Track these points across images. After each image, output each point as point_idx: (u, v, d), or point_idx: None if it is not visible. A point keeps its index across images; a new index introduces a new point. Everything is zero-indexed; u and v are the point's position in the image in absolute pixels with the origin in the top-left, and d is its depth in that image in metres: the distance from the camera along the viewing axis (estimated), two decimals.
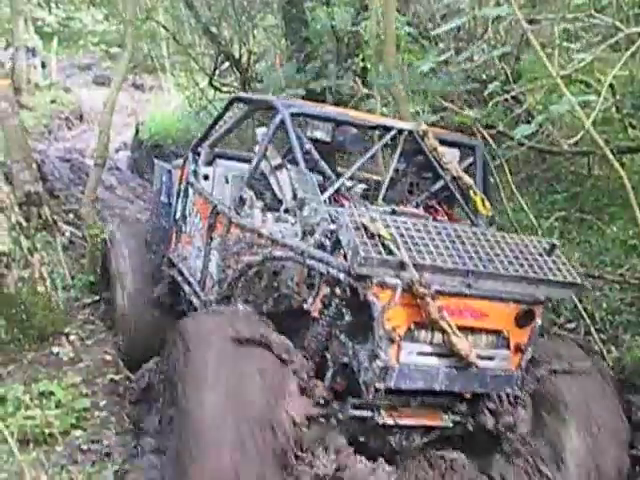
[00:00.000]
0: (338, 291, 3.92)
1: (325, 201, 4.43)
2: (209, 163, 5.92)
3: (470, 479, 4.29)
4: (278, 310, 4.44)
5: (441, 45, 9.57)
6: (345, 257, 3.76)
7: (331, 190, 4.61)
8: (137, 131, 16.25)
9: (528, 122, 8.72)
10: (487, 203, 4.85)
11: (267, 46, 15.23)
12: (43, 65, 21.24)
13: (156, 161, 7.36)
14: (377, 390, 3.78)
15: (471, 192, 4.87)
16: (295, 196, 4.53)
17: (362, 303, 3.76)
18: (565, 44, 4.94)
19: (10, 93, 8.35)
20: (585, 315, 5.53)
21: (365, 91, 8.54)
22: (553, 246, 4.15)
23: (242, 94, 7.20)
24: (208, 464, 3.52)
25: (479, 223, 4.84)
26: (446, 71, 6.78)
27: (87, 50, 27.83)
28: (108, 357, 5.56)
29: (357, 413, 4.04)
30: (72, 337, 5.66)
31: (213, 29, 14.11)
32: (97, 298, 6.75)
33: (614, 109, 6.91)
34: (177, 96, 20.29)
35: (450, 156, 5.10)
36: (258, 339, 3.85)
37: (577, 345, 4.92)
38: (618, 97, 6.22)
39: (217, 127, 6.09)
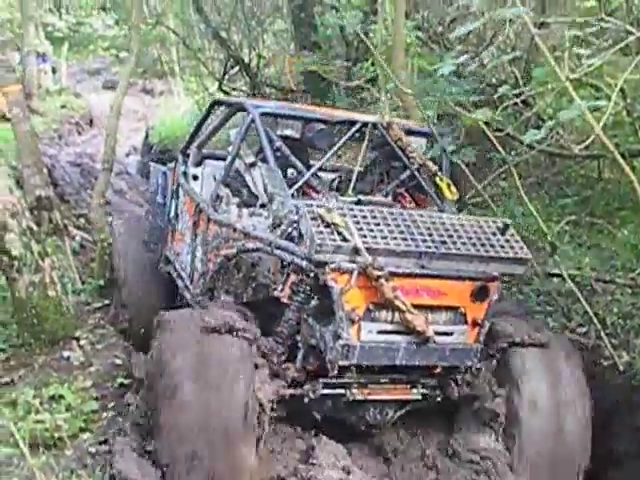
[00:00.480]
0: (304, 278, 4.23)
1: (294, 194, 4.69)
2: (198, 164, 6.22)
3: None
4: (257, 299, 4.76)
5: (451, 49, 9.55)
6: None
7: (299, 184, 4.88)
8: (147, 135, 16.29)
9: (538, 126, 8.72)
10: (453, 188, 5.11)
11: (276, 51, 15.25)
12: (53, 70, 21.32)
13: (151, 163, 7.62)
14: (342, 367, 4.12)
15: (437, 178, 5.14)
16: (266, 191, 4.83)
17: (324, 287, 4.06)
18: (575, 50, 4.91)
19: (21, 98, 8.38)
20: (596, 320, 5.49)
21: (376, 94, 8.53)
22: (506, 226, 4.44)
23: (221, 97, 7.75)
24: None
25: (446, 208, 5.03)
26: (456, 75, 6.75)
27: (97, 55, 27.93)
28: (118, 361, 5.57)
29: (328, 392, 4.37)
30: (82, 341, 5.68)
31: (223, 34, 14.15)
32: (107, 302, 6.77)
33: (624, 112, 6.89)
34: (187, 100, 20.34)
35: (416, 145, 5.37)
36: (223, 327, 4.12)
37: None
38: (629, 101, 6.19)
39: (203, 130, 6.38)
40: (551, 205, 8.62)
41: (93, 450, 4.24)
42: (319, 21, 12.46)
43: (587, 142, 4.36)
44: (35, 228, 5.59)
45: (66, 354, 5.43)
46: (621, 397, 5.25)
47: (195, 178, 6.15)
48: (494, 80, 9.11)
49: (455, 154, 7.31)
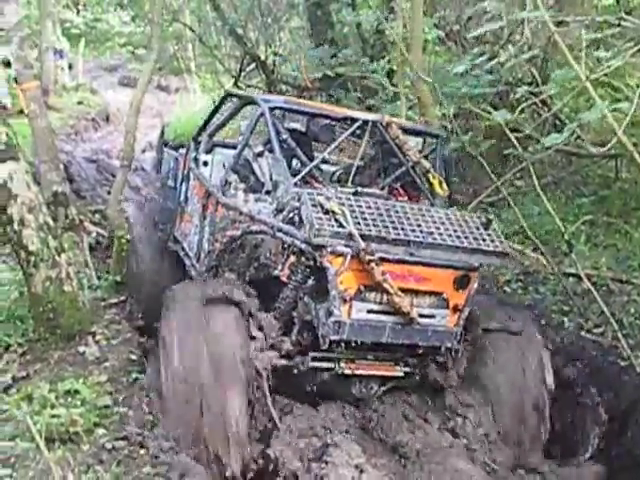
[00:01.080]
0: (302, 259, 4.64)
1: (297, 183, 5.00)
2: (208, 151, 6.54)
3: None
4: (258, 277, 5.18)
5: (467, 47, 9.52)
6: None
7: (302, 173, 5.18)
8: (163, 132, 16.29)
9: (555, 124, 8.69)
10: (444, 185, 5.46)
11: (293, 48, 15.23)
12: (70, 67, 21.41)
13: (165, 149, 7.91)
14: (332, 342, 4.54)
15: (430, 175, 5.51)
16: (271, 179, 5.33)
17: (320, 269, 4.50)
18: (595, 53, 4.87)
19: (39, 94, 8.43)
20: (613, 320, 5.47)
21: (393, 89, 8.48)
22: (489, 221, 4.88)
23: (233, 90, 7.96)
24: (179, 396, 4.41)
25: (436, 203, 5.40)
26: (474, 74, 6.73)
27: (114, 52, 28.01)
28: (133, 356, 5.58)
29: (317, 364, 4.83)
30: (98, 336, 5.68)
31: (239, 31, 14.13)
32: (123, 298, 6.79)
33: None
34: (202, 97, 20.38)
35: (412, 144, 5.73)
36: (222, 298, 4.63)
37: (522, 309, 5.67)
38: None
39: (214, 120, 6.69)
40: (567, 205, 8.59)
41: (109, 445, 4.24)
42: (335, 18, 12.45)
43: (610, 145, 4.34)
44: (52, 224, 5.59)
45: (81, 349, 5.43)
46: (638, 397, 5.22)
47: (205, 164, 6.47)
48: (511, 79, 9.08)
49: (473, 148, 7.31)
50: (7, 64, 15.01)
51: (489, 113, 6.02)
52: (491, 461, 4.91)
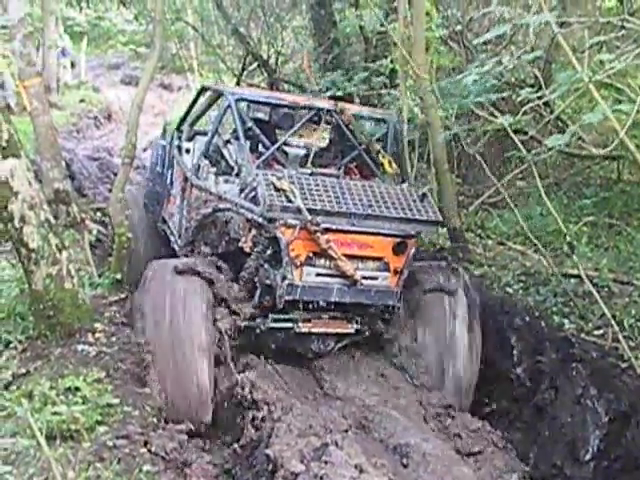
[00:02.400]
0: (261, 232, 5.40)
1: (259, 166, 5.82)
2: (190, 139, 7.27)
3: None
4: (229, 250, 5.98)
5: (471, 48, 9.51)
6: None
7: (263, 157, 6.00)
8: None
9: (557, 125, 8.69)
10: (393, 164, 6.24)
11: (295, 47, 15.22)
12: (72, 64, 21.40)
13: (154, 138, 8.65)
14: (288, 302, 5.38)
15: (380, 156, 6.28)
16: (237, 163, 6.21)
17: (275, 239, 5.29)
18: (597, 55, 4.86)
19: (41, 92, 8.42)
20: (614, 322, 5.46)
21: (393, 92, 8.50)
22: (424, 194, 5.64)
23: (207, 84, 8.46)
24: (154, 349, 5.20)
25: (386, 180, 6.18)
26: (481, 82, 6.72)
27: (116, 50, 28.00)
28: (133, 353, 5.58)
29: (277, 325, 5.62)
30: (98, 334, 5.68)
31: (242, 29, 14.12)
32: (123, 296, 6.78)
33: None
34: None
35: (366, 128, 6.63)
36: (188, 270, 5.40)
37: (451, 270, 6.30)
38: None
39: (193, 111, 7.50)
40: (569, 206, 8.58)
41: (110, 443, 4.24)
42: (338, 18, 12.42)
43: (612, 145, 4.35)
44: (53, 221, 5.58)
45: (82, 346, 5.43)
46: (638, 400, 5.21)
47: (187, 151, 7.14)
48: (513, 79, 9.07)
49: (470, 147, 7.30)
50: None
51: (492, 115, 6.02)
52: (426, 403, 5.76)
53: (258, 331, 5.64)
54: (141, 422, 4.60)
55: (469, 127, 8.64)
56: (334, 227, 5.26)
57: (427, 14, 7.77)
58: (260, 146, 6.42)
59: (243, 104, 6.55)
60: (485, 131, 7.81)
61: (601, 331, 5.89)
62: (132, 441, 4.32)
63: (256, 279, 5.59)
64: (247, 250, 5.62)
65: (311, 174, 5.97)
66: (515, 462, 5.49)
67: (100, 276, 7.17)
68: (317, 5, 12.11)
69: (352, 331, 5.85)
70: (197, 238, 6.35)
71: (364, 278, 5.46)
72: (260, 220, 5.30)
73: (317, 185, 5.39)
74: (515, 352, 6.15)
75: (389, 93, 10.42)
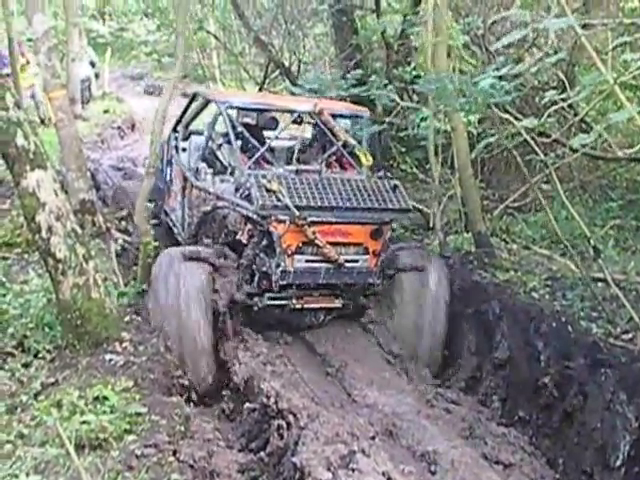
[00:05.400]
0: (256, 226, 6.20)
1: (250, 166, 6.60)
2: (186, 139, 8.14)
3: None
4: (228, 241, 6.74)
5: (493, 52, 9.46)
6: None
7: (253, 159, 6.72)
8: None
9: (581, 128, 8.62)
10: (369, 157, 6.94)
11: (317, 55, 15.25)
12: (96, 76, 21.59)
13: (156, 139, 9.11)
14: (282, 286, 6.22)
15: (356, 150, 7.02)
16: (230, 165, 7.11)
17: (268, 233, 6.10)
18: (622, 55, 4.82)
19: (66, 103, 8.51)
20: None
21: (407, 104, 8.55)
22: (396, 186, 6.41)
23: (199, 90, 9.35)
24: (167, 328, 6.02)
25: (363, 172, 6.98)
26: (498, 78, 6.68)
27: (139, 60, 28.21)
28: (161, 363, 5.61)
29: (273, 302, 6.41)
30: (125, 343, 5.71)
31: (263, 38, 14.17)
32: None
33: None
34: None
35: (342, 126, 7.33)
36: (196, 255, 6.28)
37: (423, 250, 7.37)
38: None
39: (188, 114, 8.32)
40: (595, 209, 8.51)
41: (139, 452, 4.25)
42: (359, 25, 12.43)
43: (638, 147, 4.30)
44: (79, 231, 5.63)
45: (109, 356, 5.46)
46: None
47: (184, 150, 8.02)
48: (536, 82, 9.02)
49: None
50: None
51: (515, 119, 5.99)
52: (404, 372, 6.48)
53: (256, 308, 6.39)
54: (169, 431, 4.60)
55: (494, 131, 8.59)
56: (319, 220, 6.08)
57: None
58: (249, 145, 7.10)
59: (233, 111, 7.36)
60: (511, 134, 7.75)
61: (630, 335, 5.81)
62: (160, 450, 4.33)
63: (254, 266, 6.34)
64: (244, 241, 6.42)
65: (296, 172, 6.68)
66: (544, 469, 5.44)
67: (126, 285, 7.22)
68: (338, 12, 12.13)
69: (339, 305, 6.69)
70: (199, 232, 7.16)
71: (347, 261, 6.30)
72: (255, 217, 6.09)
73: (302, 183, 6.21)
74: (542, 358, 6.07)
75: (411, 98, 10.41)
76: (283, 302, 6.44)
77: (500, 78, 5.86)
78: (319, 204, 6.06)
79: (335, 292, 6.62)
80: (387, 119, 8.45)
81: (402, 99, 10.41)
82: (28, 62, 14.82)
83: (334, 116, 7.18)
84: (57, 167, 8.54)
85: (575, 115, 7.59)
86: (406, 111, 9.85)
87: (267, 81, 15.06)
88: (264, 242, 6.22)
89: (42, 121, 15.61)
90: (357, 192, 6.26)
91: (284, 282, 6.19)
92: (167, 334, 6.00)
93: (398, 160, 11.30)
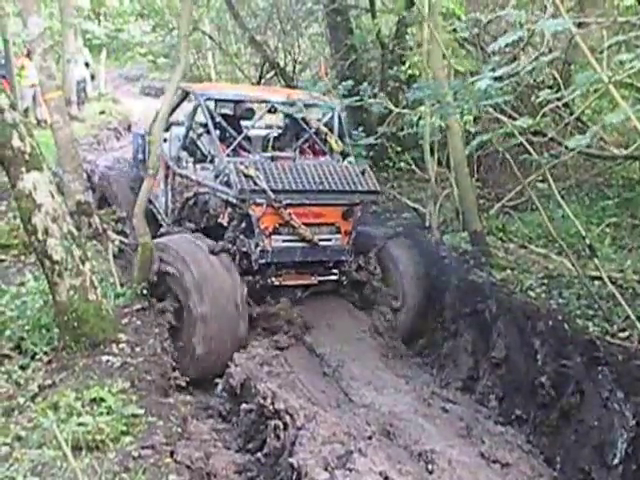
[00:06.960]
0: (235, 210, 6.76)
1: (229, 154, 7.04)
2: (166, 129, 8.16)
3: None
4: (209, 225, 7.29)
5: (488, 50, 9.46)
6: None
7: (231, 147, 7.16)
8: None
9: (577, 127, 8.62)
10: (339, 143, 7.59)
11: (312, 55, 15.24)
12: (92, 77, 21.57)
13: (132, 129, 10.20)
14: (261, 265, 6.75)
15: (327, 137, 7.59)
16: (209, 153, 7.63)
17: (247, 215, 6.63)
18: (616, 55, 4.82)
19: (62, 104, 8.49)
20: (638, 324, 5.40)
21: (401, 111, 8.57)
22: (364, 170, 7.02)
23: (181, 84, 9.09)
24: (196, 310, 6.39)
25: (334, 157, 7.67)
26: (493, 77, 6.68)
27: (135, 61, 28.19)
28: (158, 364, 5.60)
29: (252, 279, 6.83)
30: (122, 344, 5.70)
31: (258, 38, 14.17)
32: (147, 305, 6.80)
33: None
34: None
35: (314, 115, 7.94)
36: (222, 249, 6.66)
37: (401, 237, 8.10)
38: None
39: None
40: (591, 207, 8.51)
41: (136, 454, 4.25)
42: (355, 25, 12.43)
43: (634, 146, 4.31)
44: (75, 233, 5.61)
45: (106, 357, 5.45)
46: None
47: (165, 140, 8.10)
48: (531, 81, 9.02)
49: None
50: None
51: (511, 117, 5.98)
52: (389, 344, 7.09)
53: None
54: (166, 432, 4.60)
55: (488, 130, 8.58)
56: (294, 202, 6.61)
57: (455, 16, 7.78)
58: (227, 134, 7.50)
59: (211, 102, 7.77)
60: (506, 133, 7.76)
61: (626, 333, 5.82)
62: (157, 451, 4.32)
63: (235, 247, 6.78)
64: (225, 224, 6.96)
65: (272, 158, 7.31)
66: (542, 467, 5.45)
67: (123, 286, 7.20)
68: (333, 12, 12.14)
69: (315, 282, 7.25)
70: (182, 216, 7.74)
71: (321, 240, 6.87)
72: (234, 201, 6.64)
73: (277, 168, 6.69)
74: (539, 356, 6.08)
75: (406, 98, 10.39)
76: (261, 281, 6.91)
77: (496, 79, 5.86)
78: (294, 187, 6.58)
79: (311, 270, 7.17)
80: (380, 129, 8.45)
81: (397, 99, 10.42)
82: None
83: (307, 106, 7.68)
84: (53, 169, 8.51)
85: (571, 114, 7.59)
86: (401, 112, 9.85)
87: (262, 81, 15.05)
88: (243, 224, 6.76)
89: (38, 122, 15.61)
90: (329, 176, 6.81)
91: (263, 261, 6.72)
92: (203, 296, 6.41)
93: (394, 159, 11.30)
